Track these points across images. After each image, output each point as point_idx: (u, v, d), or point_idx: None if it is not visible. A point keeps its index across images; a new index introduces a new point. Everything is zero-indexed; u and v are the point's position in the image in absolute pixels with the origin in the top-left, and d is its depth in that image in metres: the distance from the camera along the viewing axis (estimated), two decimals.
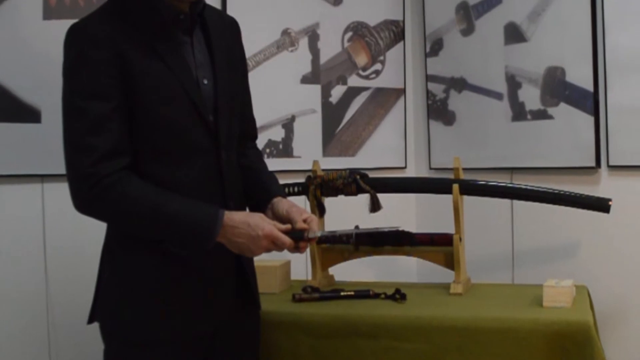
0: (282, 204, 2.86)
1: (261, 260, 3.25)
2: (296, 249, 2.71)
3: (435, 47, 4.79)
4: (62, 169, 3.43)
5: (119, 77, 2.57)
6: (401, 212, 4.65)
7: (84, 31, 2.61)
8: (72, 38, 2.62)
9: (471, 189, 3.77)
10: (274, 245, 2.64)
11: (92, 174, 2.50)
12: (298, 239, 2.67)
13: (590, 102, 3.91)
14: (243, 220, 2.63)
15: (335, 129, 4.66)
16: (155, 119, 2.64)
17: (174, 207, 2.58)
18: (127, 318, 2.70)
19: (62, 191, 3.59)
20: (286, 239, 2.64)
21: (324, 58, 4.61)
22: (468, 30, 4.57)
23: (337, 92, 4.67)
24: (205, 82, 2.79)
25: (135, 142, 2.63)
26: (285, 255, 3.77)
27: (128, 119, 2.61)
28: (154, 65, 2.63)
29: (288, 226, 2.69)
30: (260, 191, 2.97)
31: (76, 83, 2.57)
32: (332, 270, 3.88)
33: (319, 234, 2.77)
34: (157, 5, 2.68)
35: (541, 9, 4.12)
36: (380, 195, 3.45)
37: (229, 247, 2.64)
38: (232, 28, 3.06)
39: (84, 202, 2.58)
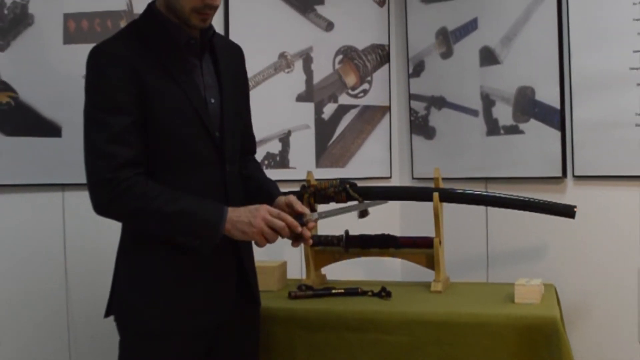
0: (281, 198, 2.89)
1: (260, 261, 3.28)
2: (299, 239, 2.73)
3: (417, 68, 4.79)
4: (81, 179, 3.45)
5: (135, 93, 2.60)
6: (386, 217, 4.65)
7: (105, 52, 2.64)
8: (94, 58, 2.64)
9: (450, 196, 3.78)
10: (269, 216, 2.64)
11: (112, 179, 2.53)
12: (299, 222, 2.69)
13: (557, 118, 3.94)
14: (243, 207, 2.68)
15: (327, 142, 4.67)
16: (166, 133, 2.67)
17: (185, 202, 2.61)
18: (140, 311, 2.72)
19: (81, 199, 3.62)
20: (283, 214, 2.67)
21: (317, 78, 4.61)
22: (447, 54, 4.58)
23: (329, 109, 4.67)
24: (213, 101, 2.81)
25: (149, 153, 2.66)
26: (282, 256, 3.81)
27: (143, 132, 2.63)
28: (167, 84, 2.66)
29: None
30: (262, 194, 2.97)
31: (97, 98, 2.60)
32: (324, 270, 3.89)
33: (316, 215, 2.81)
34: (171, 30, 2.72)
35: (513, 34, 4.14)
36: (367, 202, 3.46)
37: (234, 233, 2.64)
38: (238, 54, 3.10)
39: (104, 205, 2.60)
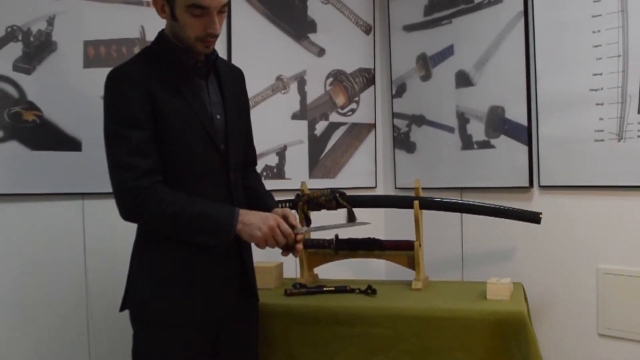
0: (277, 210, 2.91)
1: (259, 262, 3.31)
2: (290, 249, 2.80)
3: (399, 90, 4.79)
4: (99, 188, 3.53)
5: (150, 110, 2.63)
6: (372, 223, 4.64)
7: (123, 74, 2.67)
8: (113, 79, 2.67)
9: (429, 204, 3.79)
10: (277, 228, 2.69)
11: (135, 187, 2.57)
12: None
13: (525, 134, 3.94)
14: (253, 211, 2.75)
15: (319, 156, 4.66)
16: (178, 145, 2.70)
17: (202, 206, 2.65)
18: (152, 306, 2.74)
19: (99, 206, 3.68)
20: (289, 230, 2.73)
21: (310, 99, 4.61)
22: (426, 77, 4.58)
23: (321, 126, 4.67)
24: (218, 117, 2.84)
25: (162, 164, 2.68)
26: (279, 257, 3.79)
27: (158, 144, 2.66)
28: (178, 102, 2.69)
29: None
30: (260, 205, 2.99)
31: (117, 115, 2.62)
32: (316, 270, 3.89)
33: (305, 229, 2.90)
34: (180, 55, 2.76)
35: (485, 59, 4.15)
36: (355, 210, 3.47)
37: (243, 233, 2.68)
38: (239, 77, 3.12)
39: (129, 210, 2.63)
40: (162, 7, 2.71)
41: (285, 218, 2.82)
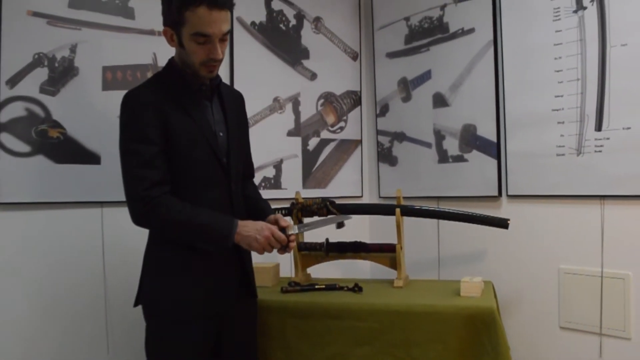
0: (271, 216, 2.94)
1: (258, 263, 3.32)
2: (285, 249, 2.82)
3: (383, 110, 4.79)
4: (116, 197, 3.52)
5: (161, 128, 2.65)
6: (359, 228, 4.67)
7: (137, 96, 2.69)
8: (128, 101, 2.69)
9: (409, 212, 3.79)
10: (272, 237, 2.73)
11: (145, 197, 2.59)
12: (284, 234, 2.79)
13: (494, 149, 3.95)
14: (250, 222, 2.75)
15: (312, 168, 4.66)
16: (185, 159, 2.71)
17: (205, 216, 2.67)
18: (162, 302, 2.75)
19: (116, 213, 3.69)
20: (282, 237, 2.76)
21: (303, 118, 4.61)
22: (407, 98, 4.58)
23: (313, 142, 4.67)
24: (221, 134, 2.86)
25: (171, 175, 2.70)
26: (276, 259, 3.81)
27: (168, 158, 2.67)
28: (185, 120, 2.71)
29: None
30: (258, 212, 3.03)
31: (131, 132, 2.64)
32: (309, 270, 3.88)
33: (296, 229, 2.89)
34: (187, 79, 2.78)
35: (459, 83, 4.16)
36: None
37: (242, 243, 2.71)
38: (239, 99, 3.15)
39: (140, 217, 2.64)
40: (171, 36, 2.73)
41: (277, 222, 2.86)
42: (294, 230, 2.87)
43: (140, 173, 2.61)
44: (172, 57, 2.86)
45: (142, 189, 2.60)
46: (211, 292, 2.80)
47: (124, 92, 2.72)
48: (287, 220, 2.91)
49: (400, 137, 4.66)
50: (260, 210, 3.09)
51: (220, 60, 2.77)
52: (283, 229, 2.82)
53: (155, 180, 2.62)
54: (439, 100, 4.32)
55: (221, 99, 2.95)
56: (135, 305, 2.87)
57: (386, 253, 3.70)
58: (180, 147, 2.70)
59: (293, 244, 2.86)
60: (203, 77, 2.80)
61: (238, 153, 2.98)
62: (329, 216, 3.45)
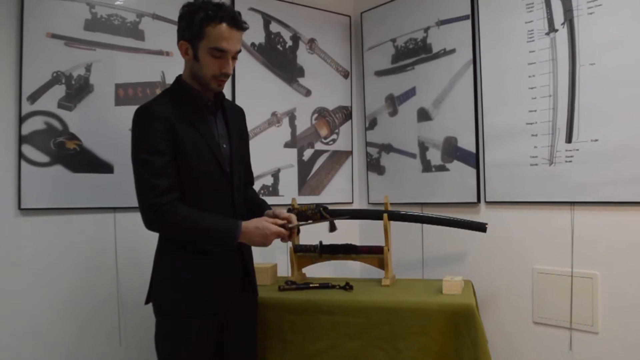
0: (269, 212, 3.00)
1: (258, 263, 3.32)
2: (287, 237, 2.85)
3: (372, 123, 4.80)
4: (128, 204, 3.55)
5: (170, 140, 2.66)
6: (349, 232, 4.69)
7: (148, 110, 2.71)
8: (140, 115, 2.71)
9: (395, 216, 3.80)
10: (272, 235, 2.76)
11: (155, 204, 2.60)
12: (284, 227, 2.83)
13: (474, 159, 3.96)
14: (252, 220, 2.77)
15: (307, 177, 4.66)
16: (192, 168, 2.72)
17: (210, 220, 2.68)
18: (171, 299, 2.76)
19: (128, 218, 3.70)
20: (282, 232, 2.79)
21: (299, 131, 4.61)
22: (393, 113, 4.59)
23: (308, 153, 4.67)
24: (224, 145, 2.88)
25: (180, 183, 2.71)
26: (274, 260, 3.80)
27: (176, 167, 2.69)
28: (192, 133, 2.73)
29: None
30: (257, 209, 3.07)
31: (143, 144, 2.65)
32: (304, 269, 3.87)
33: (295, 222, 2.89)
34: (193, 95, 2.81)
35: (441, 98, 4.16)
36: (335, 221, 3.47)
37: (247, 240, 2.74)
38: (240, 113, 3.16)
39: (151, 222, 2.66)
40: (186, 50, 2.77)
41: (276, 217, 2.90)
42: (293, 225, 2.88)
43: (151, 182, 2.62)
44: (180, 75, 2.88)
45: (153, 196, 2.61)
46: (216, 290, 2.81)
47: (134, 107, 2.74)
48: (288, 214, 2.93)
49: (387, 148, 4.66)
50: (258, 206, 3.13)
51: (229, 76, 2.81)
52: (283, 225, 2.83)
53: (165, 188, 2.63)
54: (423, 115, 4.33)
55: (224, 113, 2.96)
56: (147, 303, 2.88)
57: (374, 254, 3.71)
58: (188, 157, 2.71)
59: (293, 234, 2.88)
60: (211, 90, 2.84)
61: (240, 163, 3.00)
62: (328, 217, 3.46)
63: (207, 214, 2.71)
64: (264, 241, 2.75)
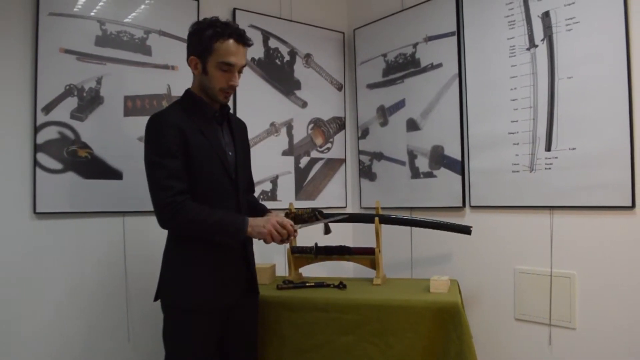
0: (272, 212, 3.06)
1: (258, 264, 3.31)
2: (287, 239, 2.86)
3: (364, 133, 4.81)
4: (136, 208, 3.56)
5: (182, 145, 2.70)
6: (343, 234, 4.69)
7: (161, 117, 2.74)
8: (154, 122, 2.74)
9: (386, 220, 3.81)
10: (277, 225, 2.80)
11: (171, 202, 2.64)
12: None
13: (459, 167, 3.97)
14: (258, 217, 2.83)
15: (303, 183, 4.67)
16: (200, 173, 2.75)
17: (220, 215, 2.72)
18: (178, 295, 2.78)
19: (136, 222, 3.70)
20: (287, 224, 2.83)
21: (296, 140, 4.62)
22: (384, 123, 4.59)
23: (304, 160, 4.68)
24: (230, 153, 2.91)
25: (190, 187, 2.74)
26: (273, 260, 3.80)
27: (187, 171, 2.72)
28: (201, 140, 2.76)
29: None
30: (257, 212, 3.11)
31: (157, 148, 2.68)
32: (301, 269, 3.87)
33: (297, 227, 2.93)
34: (202, 106, 2.85)
35: (429, 110, 4.18)
36: (330, 224, 3.48)
37: (254, 234, 2.79)
38: (243, 126, 3.20)
39: (167, 220, 2.69)
40: (195, 64, 2.82)
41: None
42: (296, 227, 2.91)
43: (167, 183, 2.65)
44: (189, 88, 2.92)
45: (169, 195, 2.64)
46: (221, 289, 2.83)
47: (142, 117, 2.78)
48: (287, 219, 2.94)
49: (378, 156, 4.67)
50: (260, 210, 3.17)
51: (235, 88, 2.87)
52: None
53: (179, 189, 2.67)
54: (412, 125, 4.34)
55: (229, 124, 3.01)
56: (156, 299, 2.89)
57: (367, 255, 3.71)
58: (197, 163, 2.74)
59: (294, 236, 2.92)
60: (218, 101, 2.89)
61: (244, 169, 3.04)
62: (329, 217, 3.46)
63: (218, 210, 2.74)
64: (267, 225, 2.78)
